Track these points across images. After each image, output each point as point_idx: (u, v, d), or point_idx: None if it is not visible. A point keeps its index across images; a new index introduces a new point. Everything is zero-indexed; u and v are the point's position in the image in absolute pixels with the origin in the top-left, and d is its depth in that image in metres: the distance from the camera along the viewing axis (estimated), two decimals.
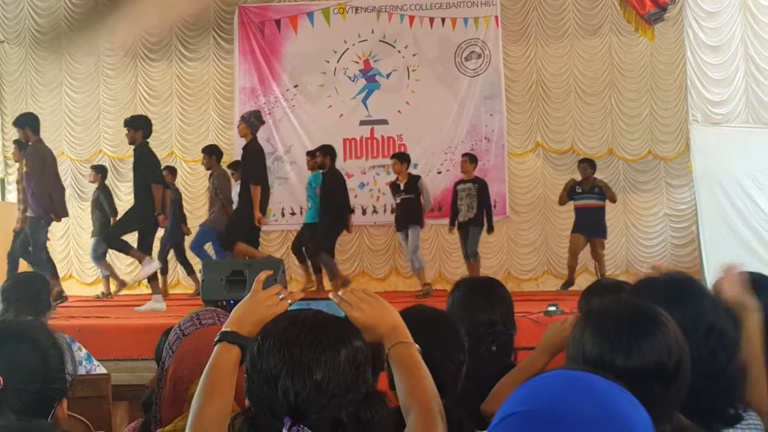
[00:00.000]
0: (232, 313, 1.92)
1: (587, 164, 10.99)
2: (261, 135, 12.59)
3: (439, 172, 12.52)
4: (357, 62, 12.88)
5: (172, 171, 11.39)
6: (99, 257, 11.08)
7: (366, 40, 12.87)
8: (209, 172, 10.77)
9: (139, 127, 8.92)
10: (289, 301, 1.92)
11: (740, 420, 2.16)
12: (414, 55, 12.79)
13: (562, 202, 10.97)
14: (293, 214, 12.68)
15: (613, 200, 10.87)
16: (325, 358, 1.63)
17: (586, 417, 1.10)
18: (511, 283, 11.58)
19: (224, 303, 6.18)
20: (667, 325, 1.81)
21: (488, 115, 12.61)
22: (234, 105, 12.96)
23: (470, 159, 10.72)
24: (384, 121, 12.75)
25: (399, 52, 12.83)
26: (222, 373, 1.83)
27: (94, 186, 11.36)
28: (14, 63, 13.33)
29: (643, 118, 12.41)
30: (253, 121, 9.20)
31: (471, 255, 10.49)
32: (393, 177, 12.55)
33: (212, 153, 10.69)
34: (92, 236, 11.24)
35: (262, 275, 2.00)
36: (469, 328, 3.01)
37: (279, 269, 6.43)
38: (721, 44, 12.14)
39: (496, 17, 12.61)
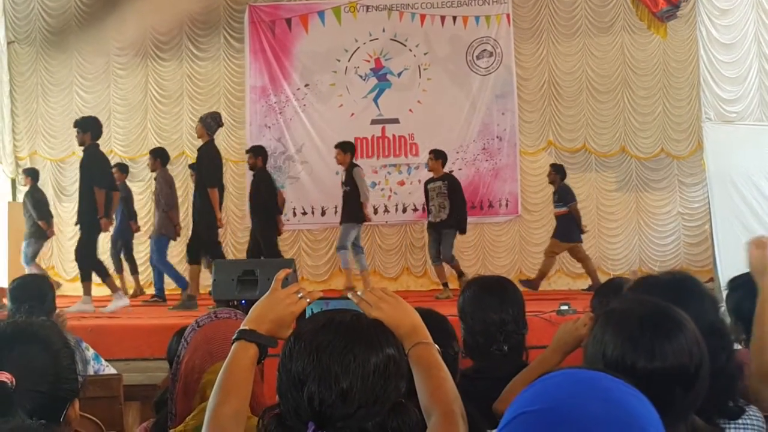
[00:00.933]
0: (250, 311, 1.91)
1: (551, 169, 10.97)
2: (272, 134, 12.77)
3: (451, 171, 12.47)
4: (368, 61, 12.87)
5: (123, 169, 11.29)
6: (29, 261, 11.06)
7: (377, 38, 12.85)
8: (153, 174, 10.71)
9: (87, 128, 8.90)
10: (308, 300, 1.92)
11: (742, 413, 2.20)
12: (425, 54, 12.76)
13: None
14: (305, 213, 12.69)
15: (568, 207, 10.70)
16: (354, 366, 1.61)
17: (593, 415, 1.10)
18: None
19: (235, 303, 6.18)
20: (689, 327, 1.79)
21: (500, 113, 12.58)
22: (245, 104, 12.96)
23: (436, 155, 10.37)
24: (395, 120, 12.72)
25: (410, 50, 12.80)
26: (239, 372, 1.82)
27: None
28: (25, 63, 13.36)
29: (655, 116, 12.37)
30: (209, 123, 9.19)
31: (447, 260, 10.16)
32: (404, 176, 12.61)
33: (157, 156, 10.51)
34: (24, 239, 11.22)
35: (281, 273, 1.99)
36: (481, 328, 3.01)
37: (291, 269, 6.43)
38: (734, 42, 12.08)
39: (508, 15, 12.58)
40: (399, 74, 12.82)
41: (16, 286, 4.74)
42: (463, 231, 10.31)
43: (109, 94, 13.22)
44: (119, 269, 11.13)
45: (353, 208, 9.99)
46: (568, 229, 10.68)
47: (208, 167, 9.09)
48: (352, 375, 1.60)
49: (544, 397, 1.16)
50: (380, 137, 12.69)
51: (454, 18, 12.68)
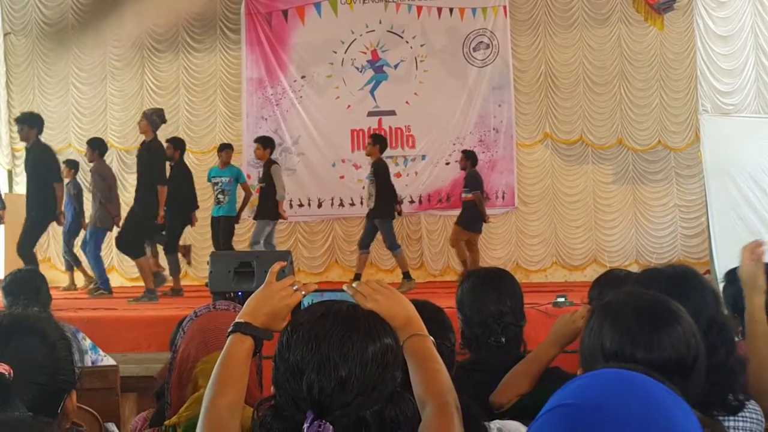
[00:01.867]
0: (245, 304, 1.91)
1: (462, 155, 10.99)
2: (269, 126, 12.75)
3: (447, 163, 12.49)
4: (365, 53, 12.85)
5: (72, 165, 11.13)
6: None
7: (374, 30, 12.83)
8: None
9: (34, 125, 8.89)
10: (303, 292, 1.92)
11: (743, 408, 2.21)
12: (422, 46, 12.75)
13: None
14: (301, 205, 12.68)
15: (473, 194, 10.63)
16: (352, 354, 1.61)
17: (634, 417, 1.09)
18: (520, 274, 11.54)
19: (232, 295, 6.17)
20: (685, 318, 1.80)
21: (497, 105, 12.57)
22: (241, 96, 12.95)
23: (373, 140, 10.08)
24: (392, 112, 12.71)
25: (407, 42, 12.78)
26: (235, 364, 1.82)
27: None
28: (21, 55, 13.34)
29: (652, 108, 12.36)
30: (154, 119, 9.17)
31: (391, 248, 10.06)
32: (400, 168, 12.59)
33: (95, 147, 10.14)
34: None
35: (276, 266, 1.99)
36: (479, 319, 3.01)
37: (287, 261, 6.42)
38: (731, 34, 12.08)
39: (505, 7, 12.56)
40: (396, 66, 12.81)
41: (10, 282, 4.74)
42: (392, 217, 10.02)
43: (105, 85, 13.20)
44: (77, 263, 10.96)
45: (268, 205, 9.90)
46: (472, 218, 10.66)
47: (158, 164, 9.10)
48: (351, 363, 1.60)
49: (586, 393, 1.15)
50: (377, 129, 12.66)
51: (451, 10, 12.65)
